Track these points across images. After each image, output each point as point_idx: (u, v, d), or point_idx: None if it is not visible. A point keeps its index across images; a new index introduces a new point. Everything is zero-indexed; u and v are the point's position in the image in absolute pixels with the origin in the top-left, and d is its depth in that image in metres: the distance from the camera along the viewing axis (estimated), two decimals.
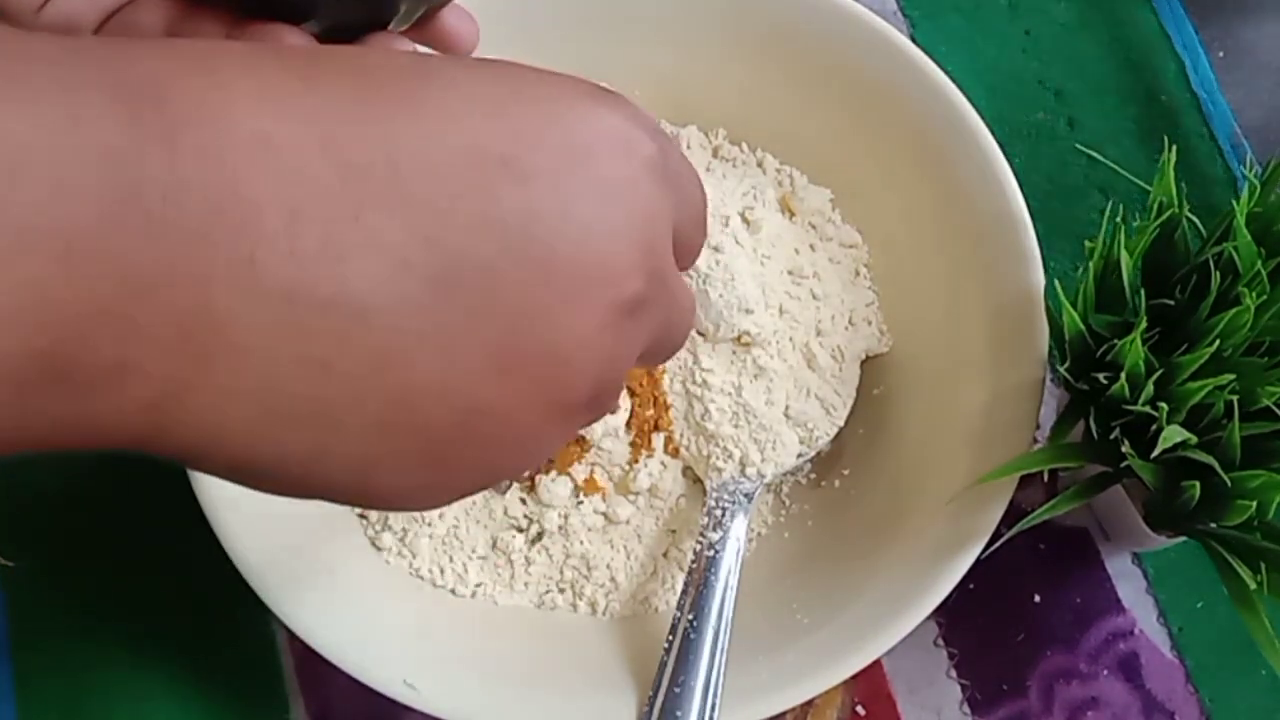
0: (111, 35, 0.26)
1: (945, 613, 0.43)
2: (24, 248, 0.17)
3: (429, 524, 0.41)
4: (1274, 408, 0.34)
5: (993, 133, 0.41)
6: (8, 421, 0.18)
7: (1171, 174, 0.37)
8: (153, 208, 0.18)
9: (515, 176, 0.21)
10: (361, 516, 0.41)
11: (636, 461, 0.41)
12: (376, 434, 0.21)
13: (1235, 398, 0.34)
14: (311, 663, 0.43)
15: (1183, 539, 0.38)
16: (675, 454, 0.42)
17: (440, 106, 0.21)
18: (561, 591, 0.41)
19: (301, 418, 0.20)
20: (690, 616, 0.38)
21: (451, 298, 0.20)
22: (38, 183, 0.17)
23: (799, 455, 0.41)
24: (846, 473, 0.43)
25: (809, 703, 0.42)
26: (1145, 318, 0.35)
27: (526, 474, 0.41)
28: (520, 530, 0.41)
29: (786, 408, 0.41)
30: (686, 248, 0.25)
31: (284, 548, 0.38)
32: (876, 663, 0.42)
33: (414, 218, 0.20)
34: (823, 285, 0.43)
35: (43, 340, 0.17)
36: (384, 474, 0.22)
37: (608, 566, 0.41)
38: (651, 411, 0.41)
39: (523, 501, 0.41)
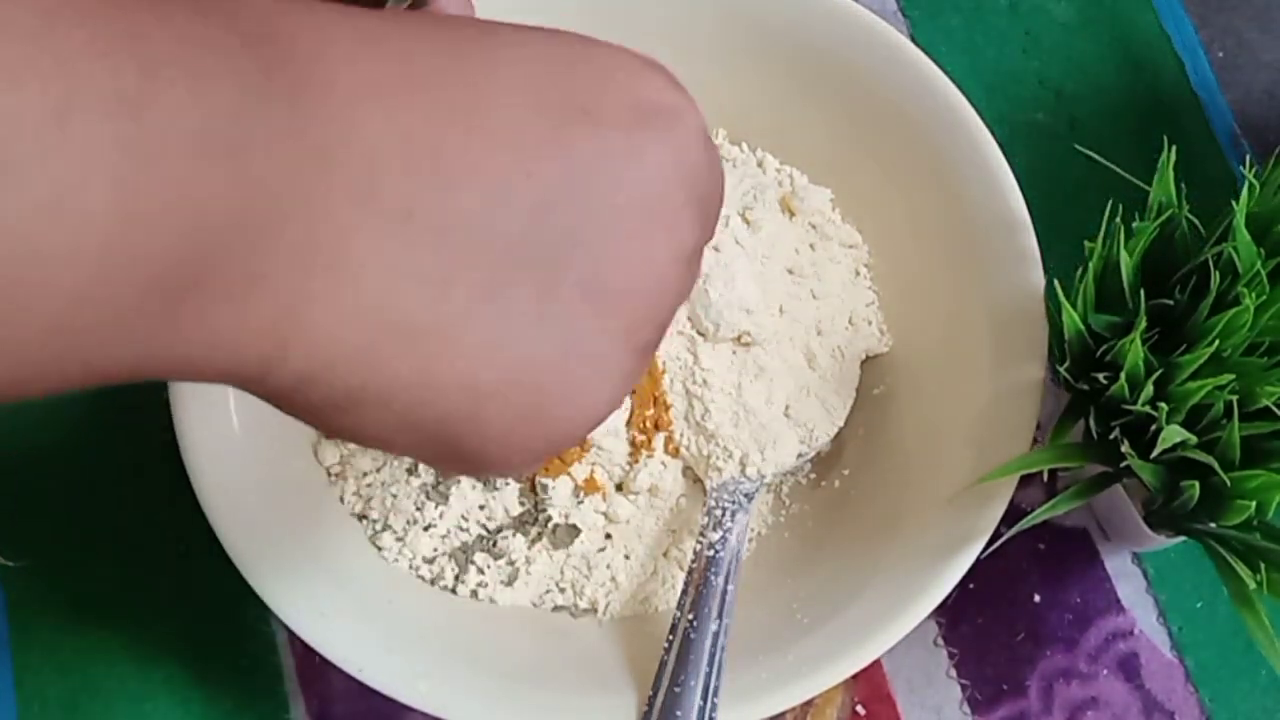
0: None
1: (945, 613, 0.43)
2: (170, 147, 0.17)
3: (429, 523, 0.41)
4: (1274, 408, 0.34)
5: (993, 133, 0.41)
6: (137, 334, 0.18)
7: (1171, 174, 0.37)
8: (282, 125, 0.19)
9: (593, 123, 0.23)
10: (361, 517, 0.41)
11: (636, 461, 0.41)
12: (484, 361, 0.22)
13: (1235, 398, 0.34)
14: (311, 663, 0.43)
15: (1183, 539, 0.38)
16: (675, 454, 0.42)
17: (516, 63, 0.23)
18: (561, 591, 0.41)
19: (413, 337, 0.21)
20: (690, 616, 0.38)
21: (546, 227, 0.22)
22: (182, 88, 0.17)
23: (799, 455, 0.41)
24: (846, 473, 0.43)
25: (809, 703, 0.42)
26: (1145, 318, 0.35)
27: (526, 475, 0.41)
28: (520, 530, 0.41)
29: (786, 408, 0.41)
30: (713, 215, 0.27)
31: (284, 548, 0.38)
32: (876, 663, 0.42)
33: (512, 153, 0.22)
34: (823, 285, 0.43)
35: (185, 244, 0.18)
36: (493, 409, 0.22)
37: (608, 566, 0.41)
38: (651, 411, 0.41)
39: (521, 504, 0.41)
